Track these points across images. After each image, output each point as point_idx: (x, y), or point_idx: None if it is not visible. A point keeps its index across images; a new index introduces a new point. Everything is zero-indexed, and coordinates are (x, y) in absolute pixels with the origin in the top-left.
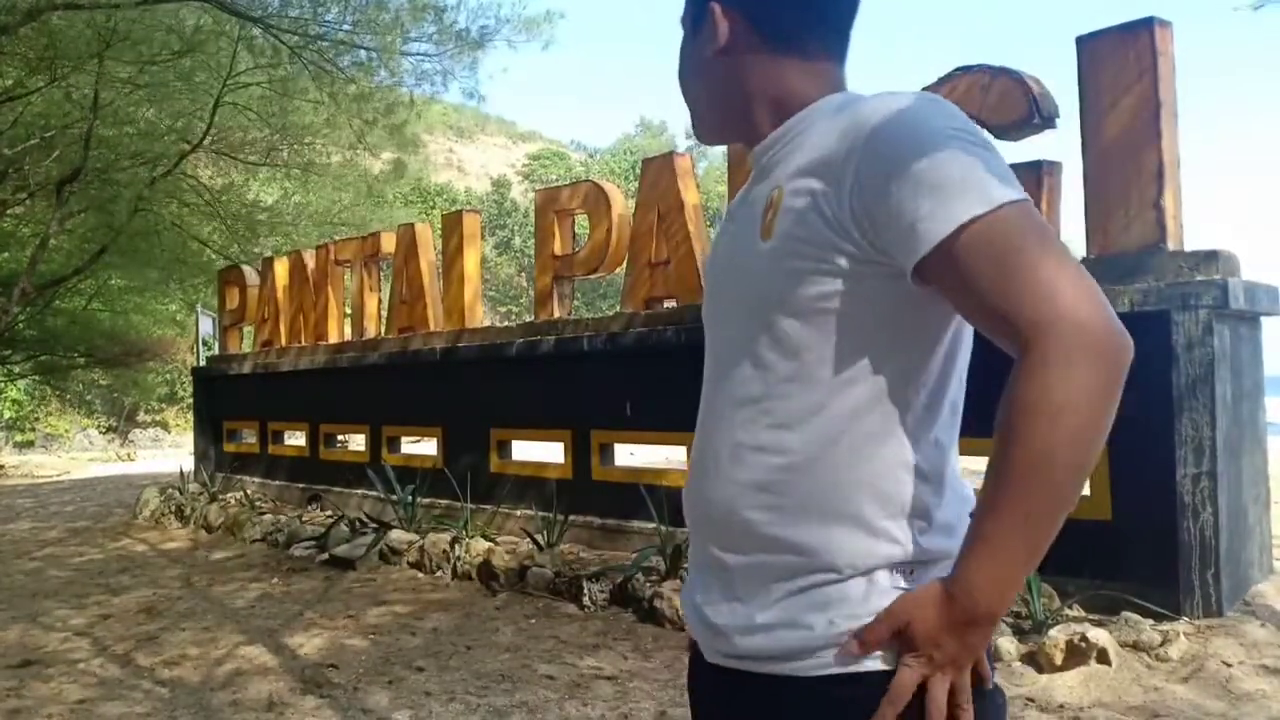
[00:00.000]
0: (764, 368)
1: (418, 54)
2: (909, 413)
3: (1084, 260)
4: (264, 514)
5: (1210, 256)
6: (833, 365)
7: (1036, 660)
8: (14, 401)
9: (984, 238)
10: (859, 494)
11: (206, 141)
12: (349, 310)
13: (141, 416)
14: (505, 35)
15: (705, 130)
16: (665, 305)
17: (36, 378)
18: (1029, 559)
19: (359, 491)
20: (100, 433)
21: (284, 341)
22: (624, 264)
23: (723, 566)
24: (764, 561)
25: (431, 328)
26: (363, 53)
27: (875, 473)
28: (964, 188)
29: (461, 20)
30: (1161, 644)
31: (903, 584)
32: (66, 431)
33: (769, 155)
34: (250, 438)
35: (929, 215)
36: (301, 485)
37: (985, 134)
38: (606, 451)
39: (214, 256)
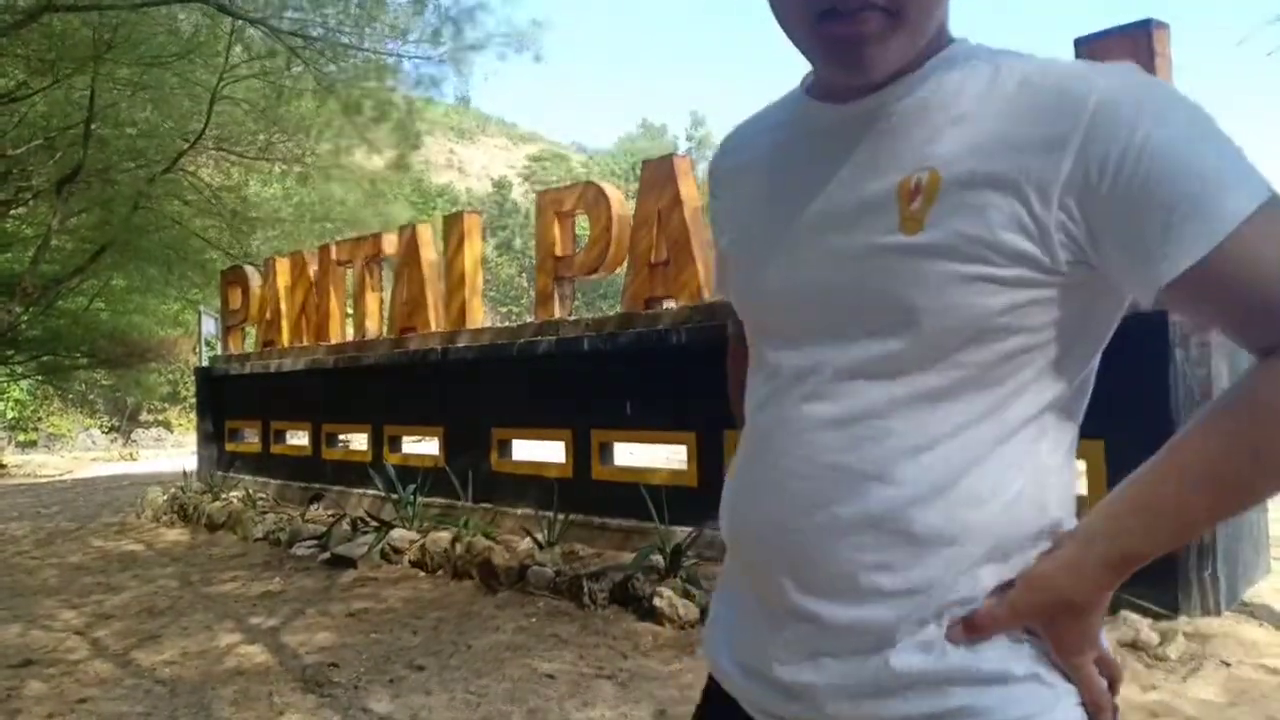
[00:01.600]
0: (887, 380)
1: (415, 57)
2: (1045, 438)
3: None
4: (266, 513)
5: None
6: (981, 385)
7: None
8: (17, 401)
9: (1263, 233)
10: (994, 527)
11: (205, 139)
12: (350, 310)
13: (144, 416)
14: (495, 47)
15: (895, 42)
16: (665, 305)
17: (39, 378)
18: (1161, 545)
19: (360, 491)
20: (103, 432)
21: (286, 342)
22: (624, 264)
23: (807, 615)
24: (877, 613)
25: (432, 328)
26: (360, 54)
27: (1011, 504)
28: (1230, 180)
29: (452, 16)
30: (1160, 643)
31: None
32: (69, 431)
33: (900, 104)
34: (253, 437)
35: (1193, 215)
36: (303, 484)
37: None
38: (606, 451)
39: (214, 255)
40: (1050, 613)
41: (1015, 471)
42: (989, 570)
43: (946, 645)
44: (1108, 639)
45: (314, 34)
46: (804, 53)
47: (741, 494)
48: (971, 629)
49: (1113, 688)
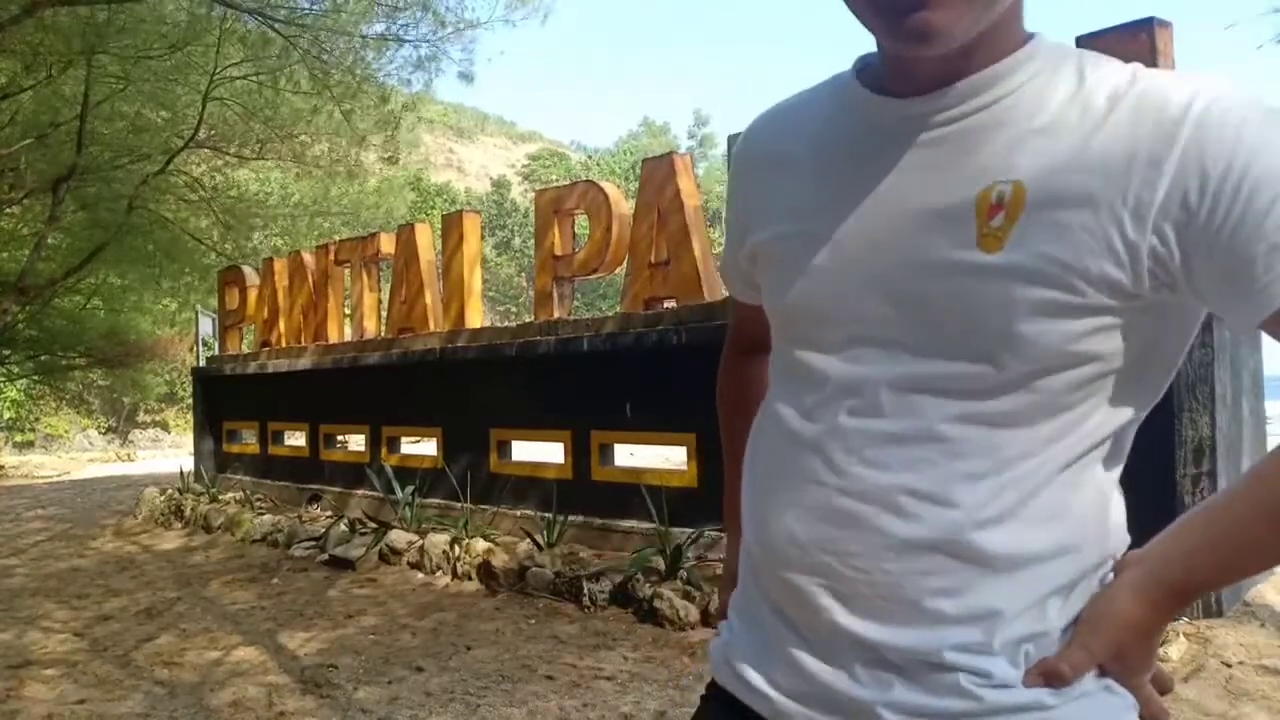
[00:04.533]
0: (951, 399)
1: (415, 39)
2: (1107, 462)
3: None
4: (263, 514)
5: None
6: (1051, 411)
7: None
8: (13, 402)
9: None
10: (1057, 555)
11: (199, 136)
12: (349, 310)
13: (141, 417)
14: (502, 14)
15: (956, 25)
16: (665, 305)
17: (35, 378)
18: (1235, 577)
19: (359, 492)
20: (100, 433)
21: (284, 342)
22: (624, 264)
23: (857, 639)
24: (941, 636)
25: (431, 328)
26: (358, 40)
27: (1073, 531)
28: None
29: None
30: (1161, 644)
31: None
32: (66, 432)
33: (977, 103)
34: (250, 438)
35: None
36: (301, 485)
37: None
38: (606, 451)
39: (210, 254)
40: (1124, 649)
41: (1078, 497)
42: (1055, 604)
43: (1021, 683)
44: None
45: (307, 22)
46: (863, 23)
47: (777, 510)
48: (1054, 678)
49: (1163, 695)
